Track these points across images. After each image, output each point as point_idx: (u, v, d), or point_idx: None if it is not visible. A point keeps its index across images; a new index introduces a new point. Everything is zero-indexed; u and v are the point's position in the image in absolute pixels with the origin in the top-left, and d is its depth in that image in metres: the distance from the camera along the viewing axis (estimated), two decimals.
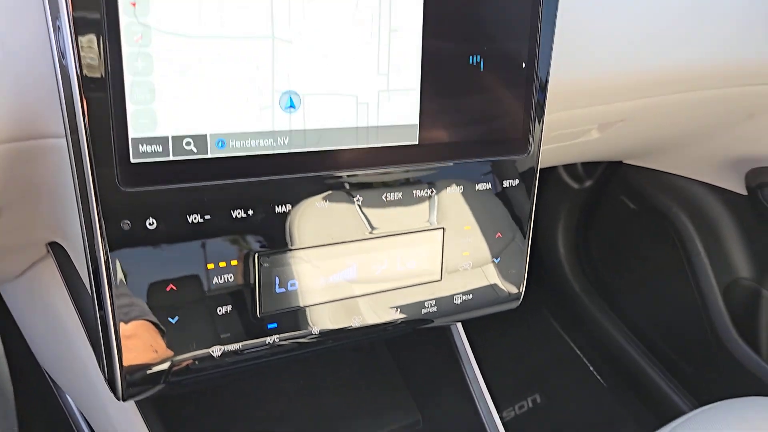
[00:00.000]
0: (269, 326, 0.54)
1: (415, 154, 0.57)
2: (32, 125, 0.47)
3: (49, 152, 0.50)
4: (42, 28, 0.43)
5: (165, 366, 0.51)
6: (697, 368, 1.46)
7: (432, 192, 0.59)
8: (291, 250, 0.53)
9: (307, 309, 0.56)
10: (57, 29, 0.41)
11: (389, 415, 0.80)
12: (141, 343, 0.49)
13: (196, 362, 0.52)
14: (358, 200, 0.55)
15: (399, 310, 0.61)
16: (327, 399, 0.80)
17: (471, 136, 0.59)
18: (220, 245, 0.50)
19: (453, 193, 0.60)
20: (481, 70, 0.57)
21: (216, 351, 0.52)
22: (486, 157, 0.61)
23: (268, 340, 0.54)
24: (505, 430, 0.73)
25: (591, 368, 1.63)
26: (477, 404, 0.74)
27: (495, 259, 0.65)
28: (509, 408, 1.51)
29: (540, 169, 0.65)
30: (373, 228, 0.57)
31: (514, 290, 0.68)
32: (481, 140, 0.60)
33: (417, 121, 0.56)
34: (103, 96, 0.43)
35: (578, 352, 1.67)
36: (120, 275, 0.47)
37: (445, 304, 0.63)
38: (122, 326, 0.48)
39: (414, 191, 0.58)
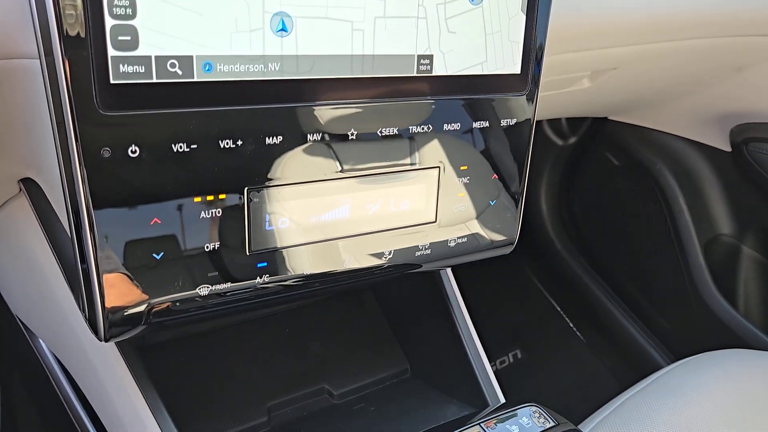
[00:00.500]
0: (259, 265, 0.52)
1: (413, 88, 0.54)
2: (1, 43, 0.43)
3: (21, 75, 0.46)
4: None
5: (149, 305, 0.48)
6: (676, 323, 1.48)
7: (429, 128, 0.56)
8: (281, 185, 0.51)
9: (298, 248, 0.53)
10: None
11: (377, 365, 0.79)
12: (124, 281, 0.47)
13: (182, 301, 0.49)
14: (352, 134, 0.53)
15: (392, 252, 0.59)
16: (313, 349, 0.78)
17: (470, 71, 0.56)
18: (207, 177, 0.47)
19: (450, 131, 0.58)
20: (482, 3, 0.54)
21: (203, 290, 0.50)
22: (485, 94, 0.58)
23: (258, 279, 0.52)
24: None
25: (571, 324, 1.65)
26: (468, 353, 0.72)
27: (491, 202, 0.63)
28: (490, 364, 1.52)
29: None
30: (367, 164, 0.54)
31: (508, 235, 0.66)
32: (480, 76, 0.57)
33: (415, 52, 0.53)
34: (80, 9, 0.39)
35: (558, 308, 1.68)
36: (100, 206, 0.44)
37: (439, 247, 0.61)
38: (103, 263, 0.45)
39: (410, 127, 0.55)
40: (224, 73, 0.46)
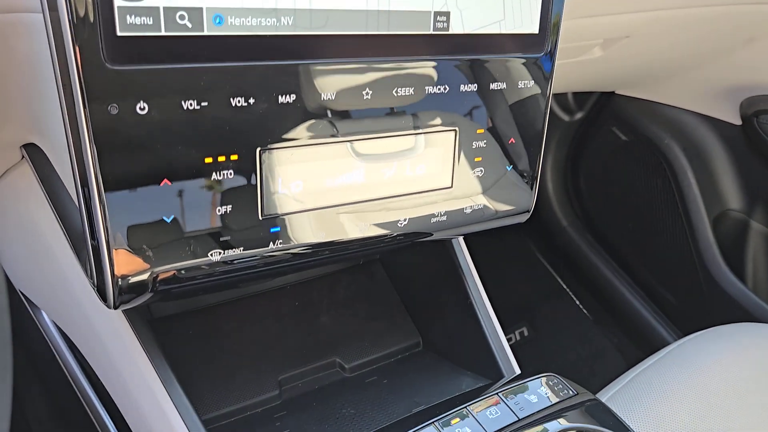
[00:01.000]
0: (272, 230, 0.50)
1: (429, 46, 0.52)
2: None
3: (23, 30, 0.44)
4: None
5: (159, 270, 0.46)
6: (684, 300, 1.46)
7: (445, 89, 0.54)
8: (295, 146, 0.49)
9: (312, 213, 0.52)
10: None
11: (389, 338, 0.78)
12: (134, 246, 0.45)
13: (193, 267, 0.47)
14: (366, 94, 0.51)
15: (408, 218, 0.57)
16: (324, 322, 0.77)
17: (487, 29, 0.54)
18: (219, 136, 0.45)
19: (467, 92, 0.56)
20: None
21: (214, 255, 0.48)
22: (502, 54, 0.56)
23: (271, 245, 0.50)
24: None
25: (577, 302, 1.63)
26: (482, 323, 0.71)
27: (507, 167, 0.61)
28: None
29: None
30: (381, 126, 0.52)
31: (524, 202, 0.65)
32: (497, 35, 0.55)
33: (431, 8, 0.51)
34: None
35: (564, 286, 1.66)
36: (108, 167, 0.42)
37: (454, 213, 0.60)
38: (112, 226, 0.44)
39: (426, 87, 0.53)
40: (235, 27, 0.43)
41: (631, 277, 1.56)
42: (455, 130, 0.56)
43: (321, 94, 0.49)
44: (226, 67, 0.44)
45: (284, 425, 0.65)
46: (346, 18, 0.48)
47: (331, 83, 0.49)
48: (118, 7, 0.39)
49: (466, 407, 0.57)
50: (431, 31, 0.51)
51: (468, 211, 0.60)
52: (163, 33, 0.41)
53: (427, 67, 0.53)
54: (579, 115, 1.58)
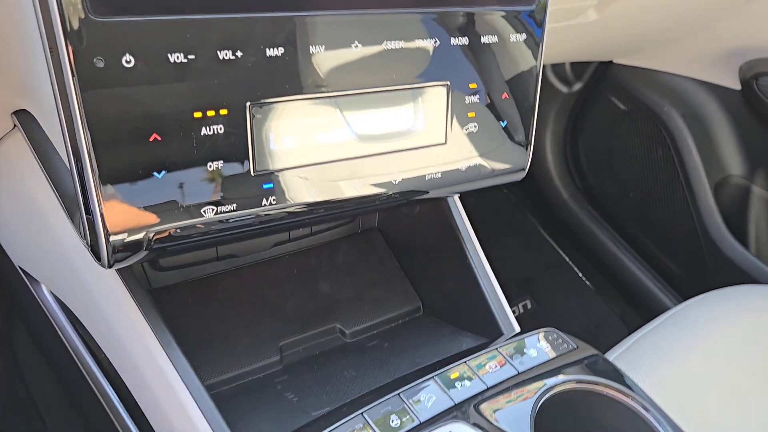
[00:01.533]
0: (264, 186, 0.50)
1: None
2: None
3: None
4: None
5: (152, 228, 0.46)
6: (686, 267, 1.46)
7: (436, 42, 0.54)
8: (284, 100, 0.48)
9: (305, 169, 0.51)
10: None
11: (389, 303, 0.78)
12: (125, 203, 0.45)
13: (185, 224, 0.47)
14: (356, 46, 0.50)
15: (401, 176, 0.57)
16: (324, 289, 0.77)
17: None
18: (207, 90, 0.45)
19: (458, 46, 0.55)
20: None
21: (207, 212, 0.48)
22: (493, 6, 0.56)
23: (264, 202, 0.50)
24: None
25: (579, 273, 1.63)
26: (481, 283, 0.71)
27: (501, 122, 0.61)
28: None
29: None
30: (372, 80, 0.52)
31: (520, 159, 0.64)
32: None
33: None
34: None
35: (566, 258, 1.66)
36: (97, 123, 0.42)
37: (449, 170, 0.59)
38: (103, 183, 0.44)
39: (417, 40, 0.53)
40: None
41: (633, 246, 1.56)
42: (447, 84, 0.56)
43: (309, 47, 0.48)
44: (212, 19, 0.44)
45: (285, 388, 0.65)
46: None
47: (319, 36, 0.48)
48: None
49: (465, 362, 0.57)
50: None
51: (463, 168, 0.60)
52: None
53: (416, 20, 0.52)
54: (577, 86, 1.57)
